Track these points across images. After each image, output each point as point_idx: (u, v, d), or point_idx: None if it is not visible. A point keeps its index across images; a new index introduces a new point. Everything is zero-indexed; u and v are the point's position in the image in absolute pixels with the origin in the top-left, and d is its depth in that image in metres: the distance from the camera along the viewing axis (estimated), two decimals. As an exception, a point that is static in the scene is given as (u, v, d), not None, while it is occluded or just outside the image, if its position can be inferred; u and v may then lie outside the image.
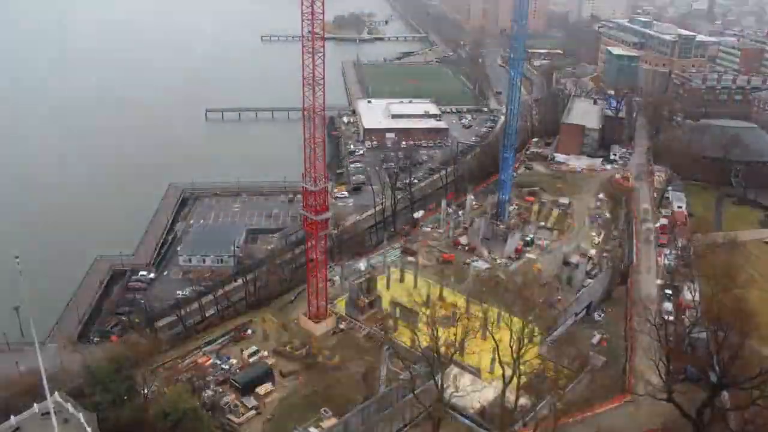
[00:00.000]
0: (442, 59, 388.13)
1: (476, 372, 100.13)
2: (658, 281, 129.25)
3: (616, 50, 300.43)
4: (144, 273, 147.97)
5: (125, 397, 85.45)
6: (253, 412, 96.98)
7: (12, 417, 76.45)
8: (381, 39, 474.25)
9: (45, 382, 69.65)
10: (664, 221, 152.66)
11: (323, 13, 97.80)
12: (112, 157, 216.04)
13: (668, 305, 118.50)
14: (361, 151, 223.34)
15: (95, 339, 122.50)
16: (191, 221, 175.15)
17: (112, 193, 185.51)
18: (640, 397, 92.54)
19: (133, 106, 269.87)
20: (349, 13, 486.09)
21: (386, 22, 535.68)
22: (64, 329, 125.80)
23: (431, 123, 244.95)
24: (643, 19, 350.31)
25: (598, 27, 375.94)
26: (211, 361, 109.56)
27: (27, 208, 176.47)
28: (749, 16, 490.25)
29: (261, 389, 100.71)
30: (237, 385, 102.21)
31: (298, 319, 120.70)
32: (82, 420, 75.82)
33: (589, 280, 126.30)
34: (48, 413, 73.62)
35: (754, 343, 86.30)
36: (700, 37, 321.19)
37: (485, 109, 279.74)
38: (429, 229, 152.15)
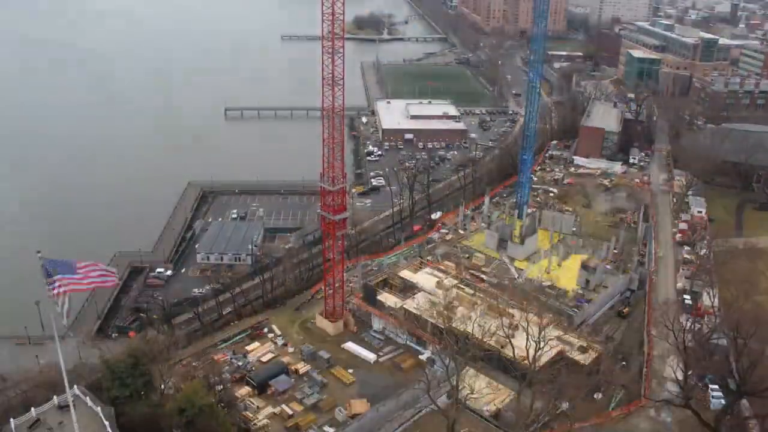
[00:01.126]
0: (461, 60, 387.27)
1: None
2: (678, 286, 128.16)
3: (637, 53, 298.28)
4: (162, 270, 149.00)
5: (142, 392, 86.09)
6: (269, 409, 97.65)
7: (32, 409, 77.48)
8: (400, 40, 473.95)
9: (65, 375, 70.40)
10: (683, 225, 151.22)
11: (343, 14, 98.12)
12: (131, 154, 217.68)
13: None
14: (379, 152, 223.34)
15: (113, 334, 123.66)
16: (209, 219, 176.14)
17: (132, 190, 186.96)
18: (657, 402, 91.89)
19: (152, 104, 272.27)
20: (369, 14, 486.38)
21: (406, 23, 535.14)
22: (83, 324, 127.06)
23: (450, 124, 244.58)
24: (664, 22, 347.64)
25: (619, 30, 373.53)
26: (227, 357, 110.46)
27: (49, 204, 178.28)
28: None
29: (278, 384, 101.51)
30: (252, 382, 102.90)
31: (314, 319, 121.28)
32: (100, 414, 76.56)
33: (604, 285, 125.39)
34: (67, 406, 74.42)
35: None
36: (722, 41, 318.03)
37: (504, 111, 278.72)
38: (446, 232, 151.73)
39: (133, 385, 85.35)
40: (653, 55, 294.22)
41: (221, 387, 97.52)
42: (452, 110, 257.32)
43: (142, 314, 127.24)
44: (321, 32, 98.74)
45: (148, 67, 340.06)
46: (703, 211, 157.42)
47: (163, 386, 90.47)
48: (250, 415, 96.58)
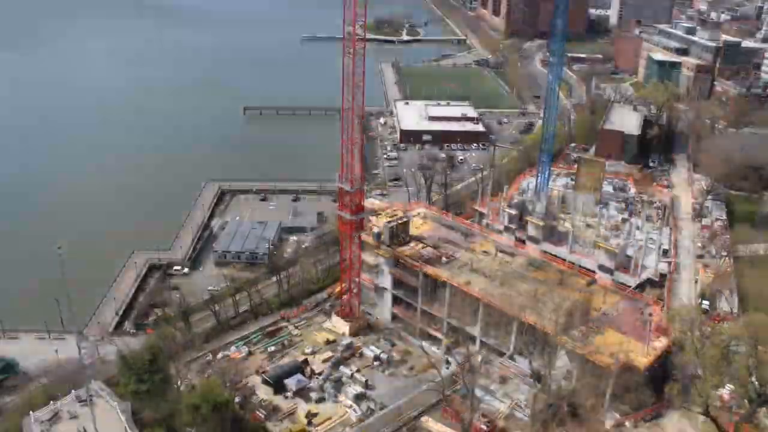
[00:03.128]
0: (480, 62, 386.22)
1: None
2: (697, 290, 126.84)
3: (658, 56, 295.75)
4: (179, 268, 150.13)
5: (159, 388, 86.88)
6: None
7: (51, 402, 78.51)
8: (419, 41, 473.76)
9: (87, 370, 71.38)
10: (706, 221, 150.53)
11: (365, 16, 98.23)
12: (151, 153, 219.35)
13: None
14: (395, 154, 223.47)
15: (131, 330, 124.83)
16: (227, 218, 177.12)
17: (151, 189, 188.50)
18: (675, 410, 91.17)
19: (172, 103, 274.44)
20: (389, 15, 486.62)
21: (426, 24, 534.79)
22: (102, 320, 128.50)
23: (469, 126, 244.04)
24: (686, 25, 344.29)
25: (640, 32, 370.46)
26: (242, 355, 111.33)
27: (70, 201, 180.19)
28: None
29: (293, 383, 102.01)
30: (269, 380, 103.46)
31: (330, 318, 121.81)
32: (117, 409, 77.46)
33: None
34: (85, 400, 75.38)
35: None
36: (745, 44, 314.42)
37: (524, 113, 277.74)
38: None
39: (150, 381, 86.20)
40: (674, 58, 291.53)
41: (238, 385, 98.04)
42: (471, 112, 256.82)
43: (159, 311, 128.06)
44: (343, 33, 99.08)
45: (167, 67, 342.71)
46: (723, 215, 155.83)
47: (179, 382, 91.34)
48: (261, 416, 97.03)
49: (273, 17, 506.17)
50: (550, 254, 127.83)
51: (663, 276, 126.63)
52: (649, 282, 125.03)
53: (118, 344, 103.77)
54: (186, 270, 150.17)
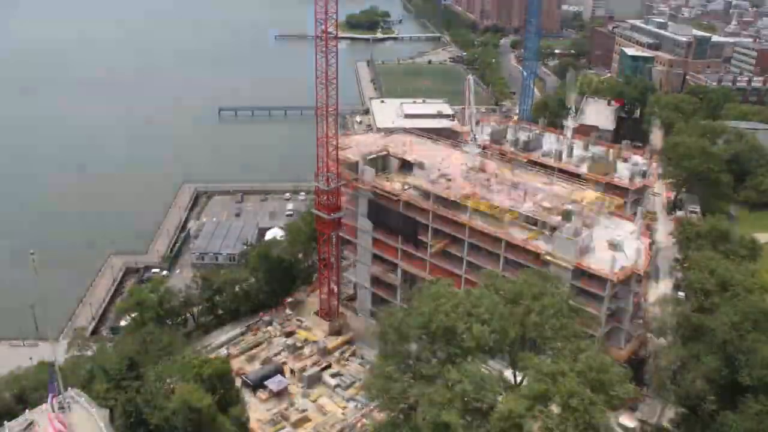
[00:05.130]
0: (456, 59, 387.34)
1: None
2: (667, 283, 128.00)
3: (631, 51, 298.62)
4: (156, 270, 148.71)
5: (137, 393, 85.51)
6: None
7: (27, 411, 77.11)
8: (394, 39, 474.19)
9: (59, 377, 70.21)
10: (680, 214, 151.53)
11: (336, 13, 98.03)
12: (125, 155, 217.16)
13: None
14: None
15: (108, 335, 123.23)
16: (204, 219, 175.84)
17: (127, 192, 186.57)
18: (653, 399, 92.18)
19: (146, 105, 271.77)
20: (361, 12, 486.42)
21: (400, 22, 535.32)
22: (78, 326, 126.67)
23: (445, 123, 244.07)
24: (657, 20, 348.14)
25: (613, 27, 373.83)
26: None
27: (44, 206, 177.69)
28: (766, 17, 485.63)
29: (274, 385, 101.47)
30: (249, 382, 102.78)
31: (309, 318, 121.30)
32: (95, 415, 76.28)
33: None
34: (62, 408, 74.18)
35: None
36: (715, 38, 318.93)
37: (499, 109, 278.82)
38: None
39: (128, 387, 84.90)
40: (647, 53, 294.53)
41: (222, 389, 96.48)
42: (447, 109, 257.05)
43: (135, 315, 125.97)
44: (315, 32, 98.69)
45: (140, 68, 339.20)
46: (697, 209, 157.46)
47: (158, 387, 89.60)
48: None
49: (244, 16, 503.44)
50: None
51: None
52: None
53: (95, 350, 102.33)
54: (164, 272, 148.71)
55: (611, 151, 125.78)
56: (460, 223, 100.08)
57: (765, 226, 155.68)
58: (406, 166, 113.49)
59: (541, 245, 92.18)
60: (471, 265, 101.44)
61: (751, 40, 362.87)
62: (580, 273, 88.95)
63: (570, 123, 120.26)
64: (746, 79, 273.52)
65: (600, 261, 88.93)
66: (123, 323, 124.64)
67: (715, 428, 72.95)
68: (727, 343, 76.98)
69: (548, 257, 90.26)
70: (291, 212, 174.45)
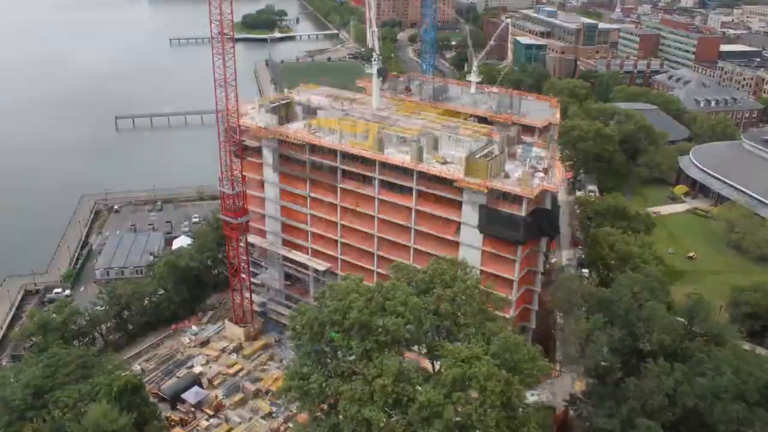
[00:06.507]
0: (355, 55, 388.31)
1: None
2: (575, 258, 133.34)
3: (524, 40, 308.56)
4: (59, 290, 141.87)
5: (44, 422, 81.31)
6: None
7: None
8: (292, 38, 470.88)
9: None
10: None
11: (231, 14, 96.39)
12: (16, 170, 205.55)
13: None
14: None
15: (8, 364, 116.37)
16: (107, 233, 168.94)
17: (20, 210, 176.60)
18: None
19: (36, 116, 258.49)
20: (257, 11, 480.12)
21: (297, 21, 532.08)
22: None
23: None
24: (547, 9, 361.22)
25: (506, 18, 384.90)
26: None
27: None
28: (646, 4, 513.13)
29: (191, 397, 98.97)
30: (165, 396, 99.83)
31: (224, 325, 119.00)
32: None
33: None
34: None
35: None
36: (602, 25, 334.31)
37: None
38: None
39: (36, 417, 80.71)
40: (539, 41, 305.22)
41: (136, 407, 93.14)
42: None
43: (36, 340, 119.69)
44: (210, 33, 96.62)
45: (26, 77, 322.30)
46: (596, 189, 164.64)
47: (68, 413, 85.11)
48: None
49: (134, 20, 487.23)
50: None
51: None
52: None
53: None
54: (67, 292, 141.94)
55: (514, 94, 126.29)
56: (370, 159, 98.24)
57: (657, 199, 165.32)
58: (310, 113, 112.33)
59: (455, 173, 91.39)
60: (384, 204, 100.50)
61: (633, 25, 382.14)
62: (496, 195, 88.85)
63: (473, 78, 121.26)
64: (632, 62, 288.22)
65: (514, 183, 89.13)
66: (24, 350, 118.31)
67: (620, 394, 76.60)
68: (628, 312, 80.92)
69: (463, 183, 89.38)
70: (197, 219, 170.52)
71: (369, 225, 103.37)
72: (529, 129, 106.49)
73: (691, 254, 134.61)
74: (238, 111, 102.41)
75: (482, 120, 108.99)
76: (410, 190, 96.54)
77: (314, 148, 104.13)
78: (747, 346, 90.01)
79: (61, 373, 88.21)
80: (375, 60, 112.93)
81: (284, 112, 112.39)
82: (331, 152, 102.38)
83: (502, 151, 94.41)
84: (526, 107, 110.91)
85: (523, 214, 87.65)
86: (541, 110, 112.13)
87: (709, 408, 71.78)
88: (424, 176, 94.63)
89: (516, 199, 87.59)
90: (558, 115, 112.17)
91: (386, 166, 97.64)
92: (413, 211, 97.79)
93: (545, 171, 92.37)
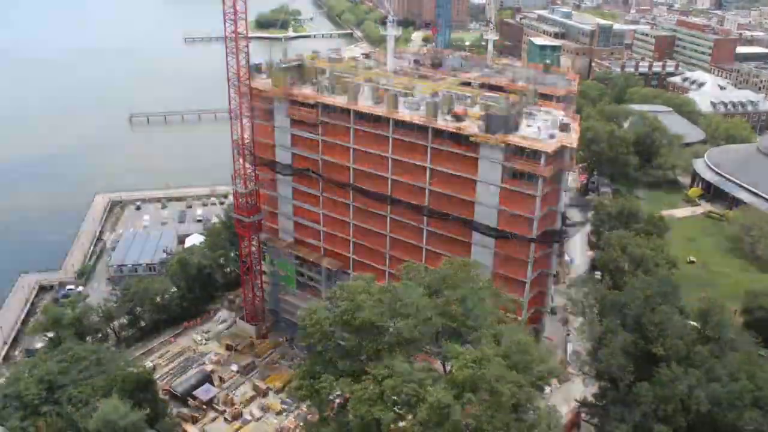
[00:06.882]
0: (368, 54, 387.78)
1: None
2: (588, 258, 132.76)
3: (539, 41, 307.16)
4: (72, 287, 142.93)
5: (58, 417, 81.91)
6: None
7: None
8: (307, 37, 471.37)
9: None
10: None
11: (246, 12, 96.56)
12: (32, 166, 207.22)
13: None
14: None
15: (23, 359, 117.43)
16: (120, 230, 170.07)
17: (35, 205, 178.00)
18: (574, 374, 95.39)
19: (52, 114, 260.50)
20: (271, 11, 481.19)
21: (311, 19, 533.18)
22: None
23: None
24: (562, 10, 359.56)
25: (521, 19, 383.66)
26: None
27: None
28: (661, 5, 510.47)
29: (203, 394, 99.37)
30: (176, 393, 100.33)
31: (235, 323, 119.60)
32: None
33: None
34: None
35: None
36: (617, 26, 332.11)
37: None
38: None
39: (49, 412, 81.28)
40: (554, 42, 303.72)
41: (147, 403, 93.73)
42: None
43: (51, 335, 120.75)
44: (224, 32, 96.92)
45: (45, 74, 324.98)
46: (609, 190, 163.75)
47: (81, 408, 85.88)
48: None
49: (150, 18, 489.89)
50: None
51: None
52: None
53: (9, 374, 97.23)
54: (80, 288, 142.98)
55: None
56: (382, 117, 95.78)
57: (671, 202, 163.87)
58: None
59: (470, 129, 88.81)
60: (397, 164, 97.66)
61: (649, 27, 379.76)
62: (513, 152, 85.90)
63: (490, 36, 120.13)
64: (647, 64, 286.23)
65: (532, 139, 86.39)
66: (39, 345, 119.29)
67: (632, 399, 76.06)
68: (641, 316, 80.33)
69: (479, 138, 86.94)
70: (200, 218, 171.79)
71: (381, 225, 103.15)
72: (548, 99, 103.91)
73: (691, 259, 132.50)
74: (251, 108, 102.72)
75: (500, 90, 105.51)
76: (425, 148, 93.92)
77: (326, 108, 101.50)
78: (761, 352, 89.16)
79: (74, 368, 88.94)
80: (390, 21, 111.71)
81: (296, 74, 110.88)
82: (344, 112, 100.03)
83: (520, 112, 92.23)
84: (543, 80, 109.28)
85: (541, 165, 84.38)
86: (559, 82, 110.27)
87: (724, 414, 71.12)
88: (439, 135, 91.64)
89: (535, 154, 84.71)
90: (576, 87, 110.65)
91: (400, 125, 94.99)
92: (427, 170, 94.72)
93: (563, 128, 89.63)
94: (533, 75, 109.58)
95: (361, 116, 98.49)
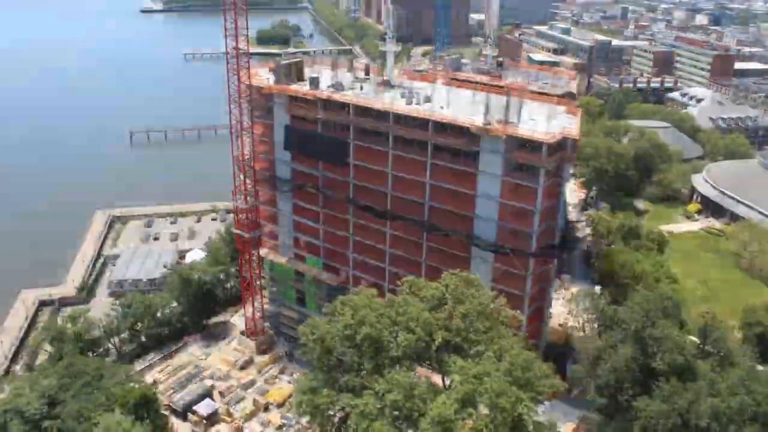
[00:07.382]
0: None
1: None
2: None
3: (538, 56, 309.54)
4: (73, 302, 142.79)
5: (59, 431, 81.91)
6: None
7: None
8: (306, 53, 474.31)
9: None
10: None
11: (247, 29, 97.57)
12: (32, 182, 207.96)
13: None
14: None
15: (24, 375, 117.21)
16: (121, 246, 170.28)
17: (35, 221, 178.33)
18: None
19: (53, 129, 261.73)
20: (272, 27, 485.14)
21: (311, 36, 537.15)
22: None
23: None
24: (561, 26, 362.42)
25: (519, 34, 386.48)
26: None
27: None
28: (660, 22, 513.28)
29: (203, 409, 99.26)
30: (177, 408, 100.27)
31: (236, 338, 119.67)
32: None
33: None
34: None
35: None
36: (615, 42, 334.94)
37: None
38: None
39: (50, 427, 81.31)
40: (552, 58, 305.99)
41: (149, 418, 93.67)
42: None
43: (52, 349, 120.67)
44: (225, 48, 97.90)
45: (45, 90, 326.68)
46: (608, 205, 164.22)
47: (81, 423, 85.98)
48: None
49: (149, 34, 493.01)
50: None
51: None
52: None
53: (9, 391, 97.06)
54: (81, 304, 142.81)
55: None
56: (383, 111, 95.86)
57: (669, 217, 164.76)
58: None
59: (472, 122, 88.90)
60: (398, 159, 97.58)
61: (647, 43, 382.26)
62: (515, 145, 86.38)
63: (488, 51, 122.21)
64: (645, 79, 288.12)
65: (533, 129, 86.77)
66: (40, 360, 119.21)
67: (633, 413, 76.26)
68: (640, 331, 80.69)
69: (481, 129, 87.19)
70: (201, 233, 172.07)
71: (381, 240, 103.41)
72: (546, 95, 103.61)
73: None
74: (252, 124, 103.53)
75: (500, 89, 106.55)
76: (425, 144, 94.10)
77: (326, 105, 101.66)
78: (760, 367, 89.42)
79: (76, 383, 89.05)
80: (389, 37, 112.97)
81: (295, 72, 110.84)
82: (344, 107, 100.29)
83: (519, 106, 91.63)
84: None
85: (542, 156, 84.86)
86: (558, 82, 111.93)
87: (723, 429, 71.29)
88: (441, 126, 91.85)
89: (536, 147, 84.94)
90: (576, 87, 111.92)
91: (400, 120, 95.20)
92: (428, 164, 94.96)
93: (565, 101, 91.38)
94: (534, 74, 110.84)
95: (363, 131, 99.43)
